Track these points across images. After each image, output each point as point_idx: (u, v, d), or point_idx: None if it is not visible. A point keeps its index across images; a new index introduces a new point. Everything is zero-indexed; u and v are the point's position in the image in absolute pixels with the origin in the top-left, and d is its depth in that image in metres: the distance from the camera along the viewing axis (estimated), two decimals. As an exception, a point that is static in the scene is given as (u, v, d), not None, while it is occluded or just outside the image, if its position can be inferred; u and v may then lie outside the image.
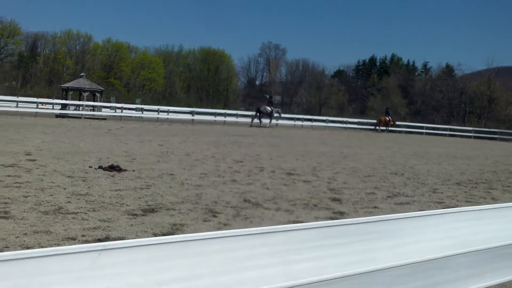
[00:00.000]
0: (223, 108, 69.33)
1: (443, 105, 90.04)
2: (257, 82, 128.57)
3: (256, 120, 49.21)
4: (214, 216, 7.78)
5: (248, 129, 42.14)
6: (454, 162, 20.99)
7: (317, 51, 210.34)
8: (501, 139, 59.50)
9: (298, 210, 8.68)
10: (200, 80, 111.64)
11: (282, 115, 54.15)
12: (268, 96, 58.84)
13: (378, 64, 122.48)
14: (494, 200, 11.35)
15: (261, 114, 49.23)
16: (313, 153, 20.77)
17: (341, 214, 8.46)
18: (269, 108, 49.60)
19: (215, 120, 53.26)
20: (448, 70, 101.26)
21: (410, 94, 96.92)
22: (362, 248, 1.40)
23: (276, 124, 51.92)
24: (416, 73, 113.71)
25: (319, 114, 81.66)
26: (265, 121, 49.67)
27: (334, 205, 9.36)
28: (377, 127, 58.40)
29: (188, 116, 52.42)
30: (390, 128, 58.58)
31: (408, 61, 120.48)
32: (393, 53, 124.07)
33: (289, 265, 1.31)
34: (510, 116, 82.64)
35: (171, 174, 11.87)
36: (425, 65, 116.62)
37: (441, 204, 10.30)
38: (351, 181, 12.77)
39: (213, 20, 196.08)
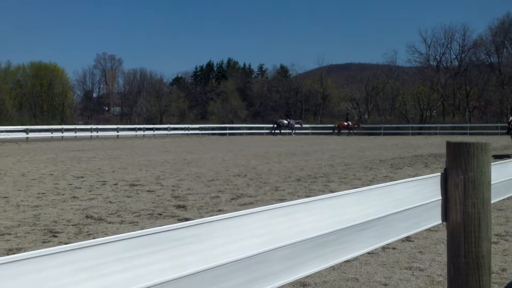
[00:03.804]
0: (60, 124, 66.86)
1: (281, 105, 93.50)
2: (95, 95, 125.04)
3: (274, 131, 59.07)
4: (54, 236, 7.47)
5: (88, 143, 40.98)
6: (294, 159, 21.86)
7: (154, 60, 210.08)
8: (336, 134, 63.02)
9: (143, 221, 8.58)
10: (33, 97, 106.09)
11: None
12: (286, 113, 70.62)
13: (215, 69, 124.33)
14: (332, 192, 11.97)
15: (277, 126, 59.04)
16: (156, 162, 20.64)
17: (186, 221, 8.48)
18: (285, 121, 59.81)
19: (51, 137, 51.08)
20: (283, 71, 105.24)
21: (249, 96, 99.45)
22: (176, 254, 1.42)
23: (294, 133, 60.10)
24: (253, 76, 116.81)
25: (160, 123, 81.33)
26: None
27: (179, 212, 9.37)
28: (335, 131, 60.64)
29: (23, 135, 49.68)
30: (354, 131, 60.59)
31: (245, 64, 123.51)
32: (229, 57, 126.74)
33: (103, 278, 1.29)
34: (343, 111, 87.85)
35: (4, 197, 11.21)
36: (261, 68, 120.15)
37: (283, 200, 10.68)
38: (195, 187, 12.85)
39: (44, 34, 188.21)
